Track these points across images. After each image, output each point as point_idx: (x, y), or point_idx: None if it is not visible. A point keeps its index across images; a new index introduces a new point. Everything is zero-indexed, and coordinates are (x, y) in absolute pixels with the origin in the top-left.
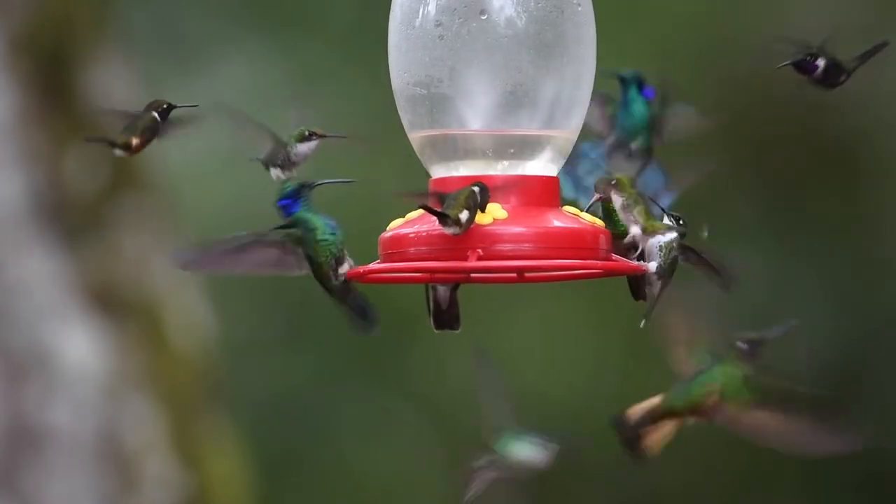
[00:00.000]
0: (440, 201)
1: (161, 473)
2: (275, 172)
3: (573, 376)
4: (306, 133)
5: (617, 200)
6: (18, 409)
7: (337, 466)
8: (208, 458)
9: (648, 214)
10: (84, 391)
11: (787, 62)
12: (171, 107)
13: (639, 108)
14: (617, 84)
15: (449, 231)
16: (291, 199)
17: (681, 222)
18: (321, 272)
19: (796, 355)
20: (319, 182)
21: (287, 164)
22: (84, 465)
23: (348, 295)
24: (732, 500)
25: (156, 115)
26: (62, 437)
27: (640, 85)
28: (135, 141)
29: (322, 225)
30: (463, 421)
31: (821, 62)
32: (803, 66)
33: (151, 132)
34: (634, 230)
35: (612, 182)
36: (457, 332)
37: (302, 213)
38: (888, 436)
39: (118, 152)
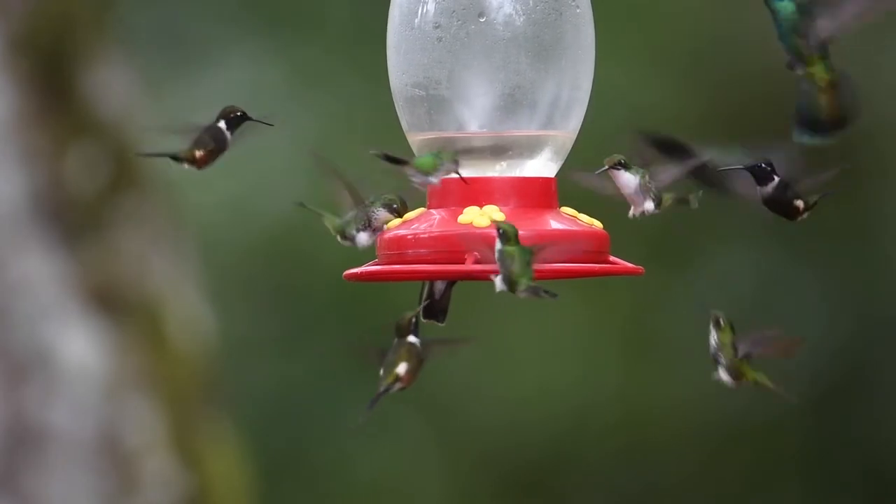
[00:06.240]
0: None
1: (161, 473)
2: (361, 239)
3: (572, 375)
4: (394, 206)
5: (630, 180)
6: (18, 409)
7: (337, 466)
8: (208, 457)
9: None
10: (84, 391)
11: (738, 166)
12: (244, 116)
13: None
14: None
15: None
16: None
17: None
18: None
19: (795, 354)
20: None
21: (367, 227)
22: (84, 465)
23: None
24: (732, 499)
25: (224, 128)
26: (62, 437)
27: None
28: (198, 154)
29: None
30: (463, 421)
31: (776, 178)
32: (757, 174)
33: (217, 144)
34: (649, 205)
35: (621, 161)
36: (442, 325)
37: None
38: (886, 435)
39: (186, 166)
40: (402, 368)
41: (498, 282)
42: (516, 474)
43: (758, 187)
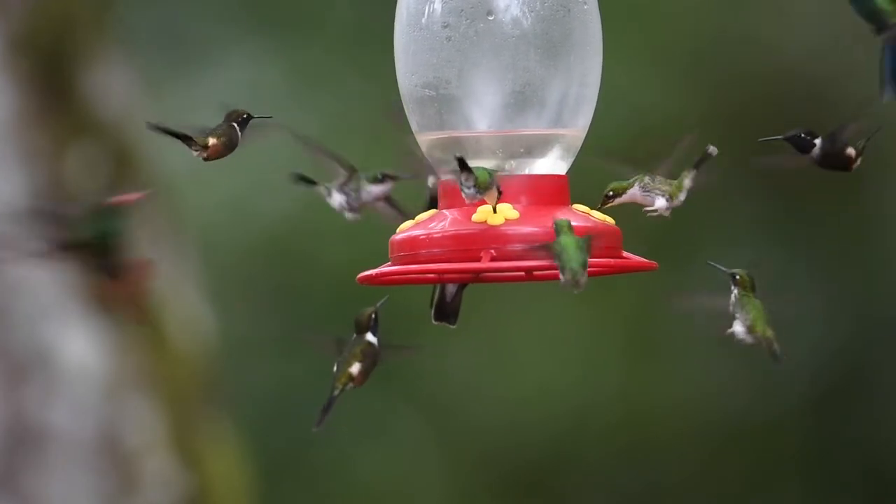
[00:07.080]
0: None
1: (161, 473)
2: (338, 199)
3: (573, 375)
4: (379, 176)
5: (633, 194)
6: (18, 409)
7: (337, 466)
8: (208, 457)
9: (667, 180)
10: (84, 391)
11: (781, 136)
12: (249, 117)
13: None
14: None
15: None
16: None
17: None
18: None
19: (795, 353)
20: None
21: (354, 202)
22: (84, 465)
23: None
24: (732, 499)
25: (235, 125)
26: (62, 437)
27: None
28: (212, 141)
29: None
30: (463, 421)
31: (818, 141)
32: (799, 144)
33: (230, 139)
34: (660, 202)
35: (609, 193)
36: (453, 328)
37: None
38: (886, 435)
39: (195, 153)
40: (355, 368)
41: (562, 278)
42: (516, 474)
43: (806, 156)
